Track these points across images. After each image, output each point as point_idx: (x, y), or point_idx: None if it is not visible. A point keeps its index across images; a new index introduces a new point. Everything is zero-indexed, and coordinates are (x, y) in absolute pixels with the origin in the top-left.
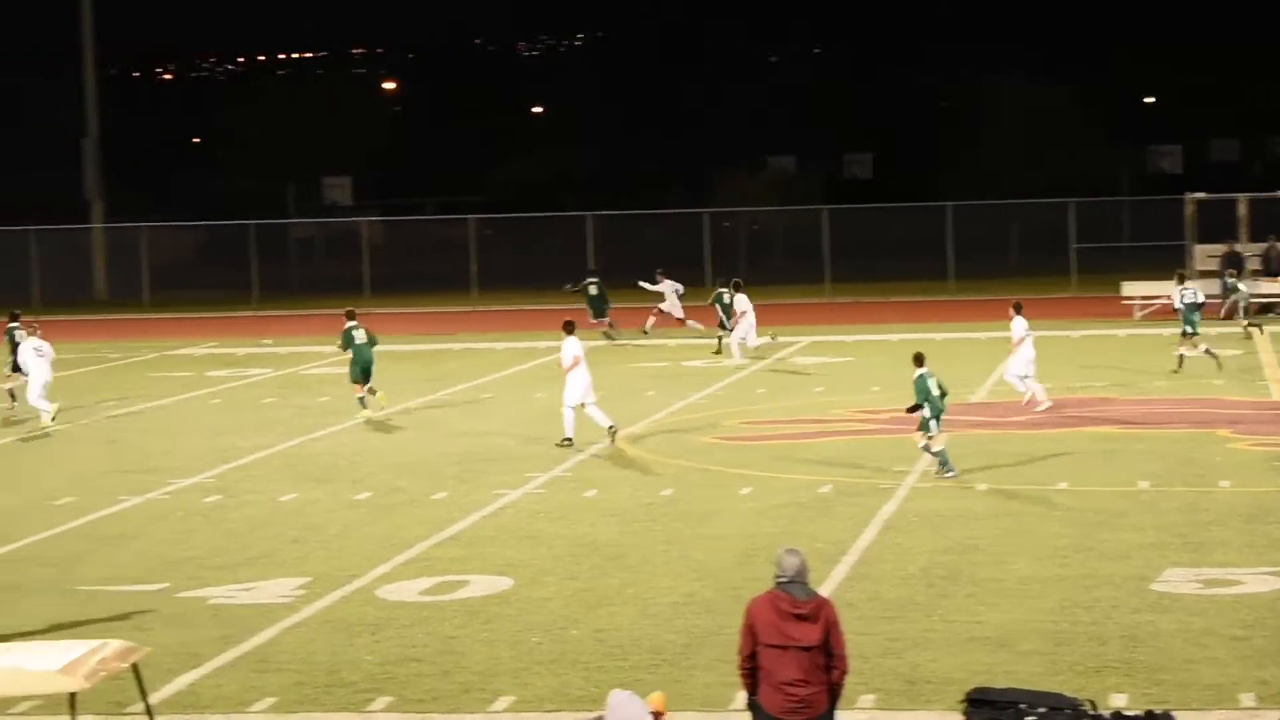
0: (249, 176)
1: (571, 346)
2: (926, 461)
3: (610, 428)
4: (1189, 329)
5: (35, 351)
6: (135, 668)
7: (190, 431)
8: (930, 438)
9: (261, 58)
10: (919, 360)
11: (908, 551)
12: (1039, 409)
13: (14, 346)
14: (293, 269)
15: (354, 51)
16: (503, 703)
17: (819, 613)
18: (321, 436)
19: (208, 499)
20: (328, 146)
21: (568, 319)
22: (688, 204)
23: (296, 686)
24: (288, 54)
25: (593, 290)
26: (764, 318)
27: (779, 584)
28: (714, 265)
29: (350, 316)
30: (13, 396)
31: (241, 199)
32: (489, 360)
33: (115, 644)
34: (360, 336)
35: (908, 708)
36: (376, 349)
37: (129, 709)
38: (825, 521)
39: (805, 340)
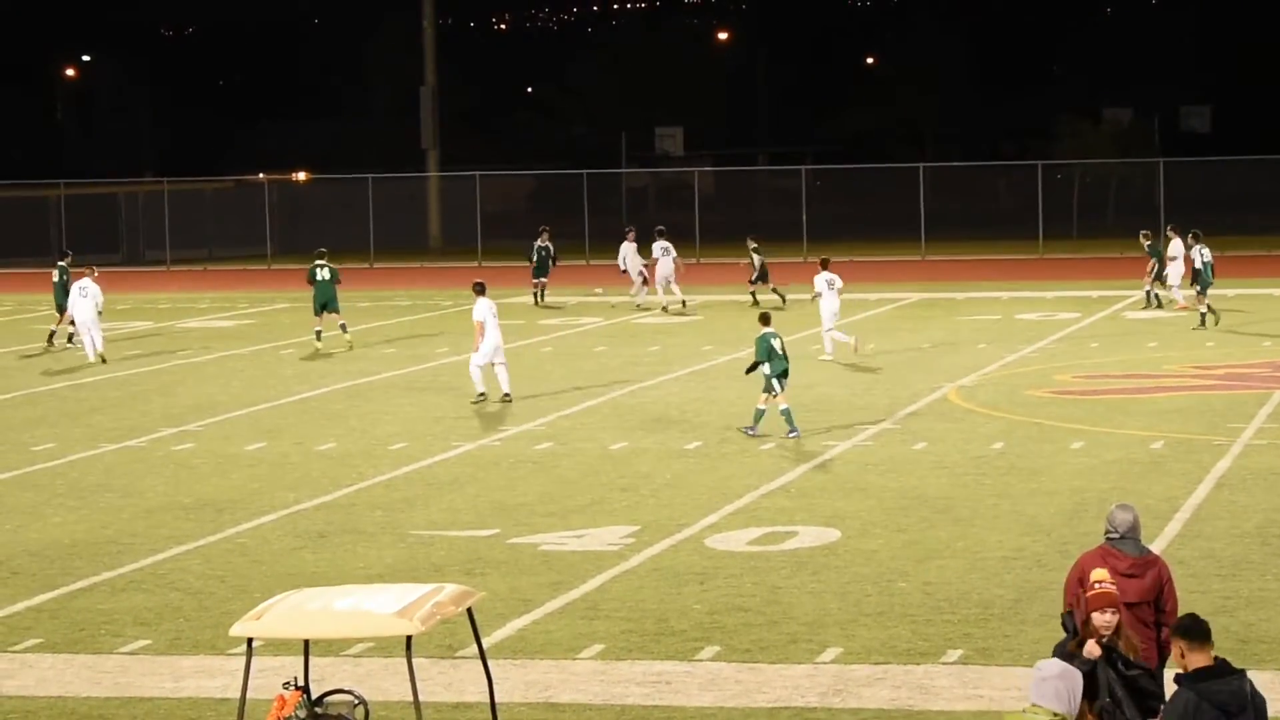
0: (582, 126)
1: (481, 307)
2: (1265, 417)
3: (505, 395)
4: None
5: (79, 291)
6: (469, 612)
7: (520, 379)
8: (773, 397)
9: (596, 7)
10: (765, 320)
11: (1243, 509)
12: (861, 350)
13: (64, 287)
14: (624, 219)
15: (688, 1)
16: (830, 653)
17: (1148, 570)
18: (652, 385)
19: (539, 446)
20: (661, 97)
21: (478, 280)
22: (1025, 156)
23: (625, 634)
24: (622, 4)
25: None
26: (1096, 271)
27: (1109, 540)
28: (1044, 218)
29: (319, 256)
30: (53, 338)
31: (574, 149)
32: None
33: (450, 588)
34: (323, 274)
35: (1240, 666)
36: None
37: (461, 652)
38: (1158, 478)
39: (1136, 294)
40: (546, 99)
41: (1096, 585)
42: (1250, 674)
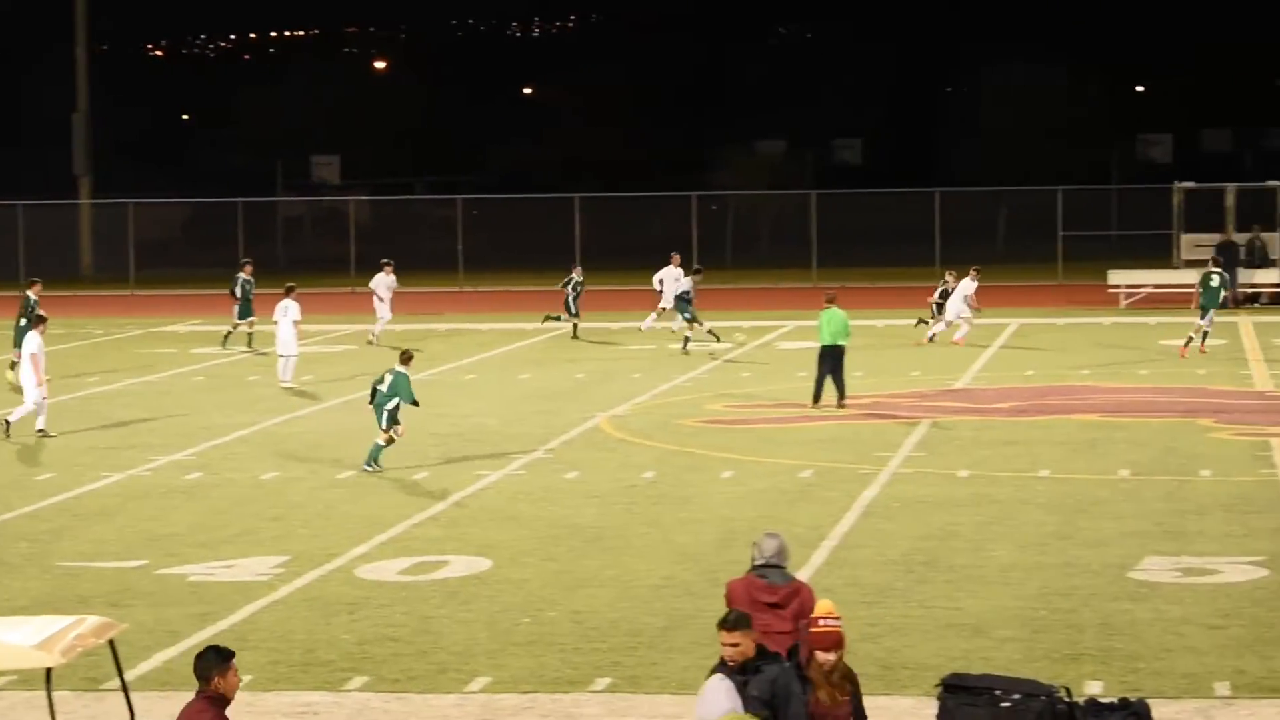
0: (238, 154)
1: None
2: (911, 446)
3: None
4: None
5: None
6: (112, 644)
7: (173, 409)
8: (388, 432)
9: (253, 36)
10: (406, 358)
11: (889, 537)
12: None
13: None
14: (280, 247)
15: (346, 30)
16: (479, 683)
17: (792, 599)
18: (305, 415)
19: (189, 476)
20: (317, 125)
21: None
22: (676, 187)
23: (272, 665)
24: (279, 32)
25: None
26: (750, 302)
27: (755, 568)
28: (700, 248)
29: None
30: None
31: (231, 176)
32: (474, 341)
33: (92, 620)
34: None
35: (884, 693)
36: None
37: (105, 685)
38: (805, 506)
39: (790, 325)
40: (204, 126)
41: (820, 623)
42: (894, 699)
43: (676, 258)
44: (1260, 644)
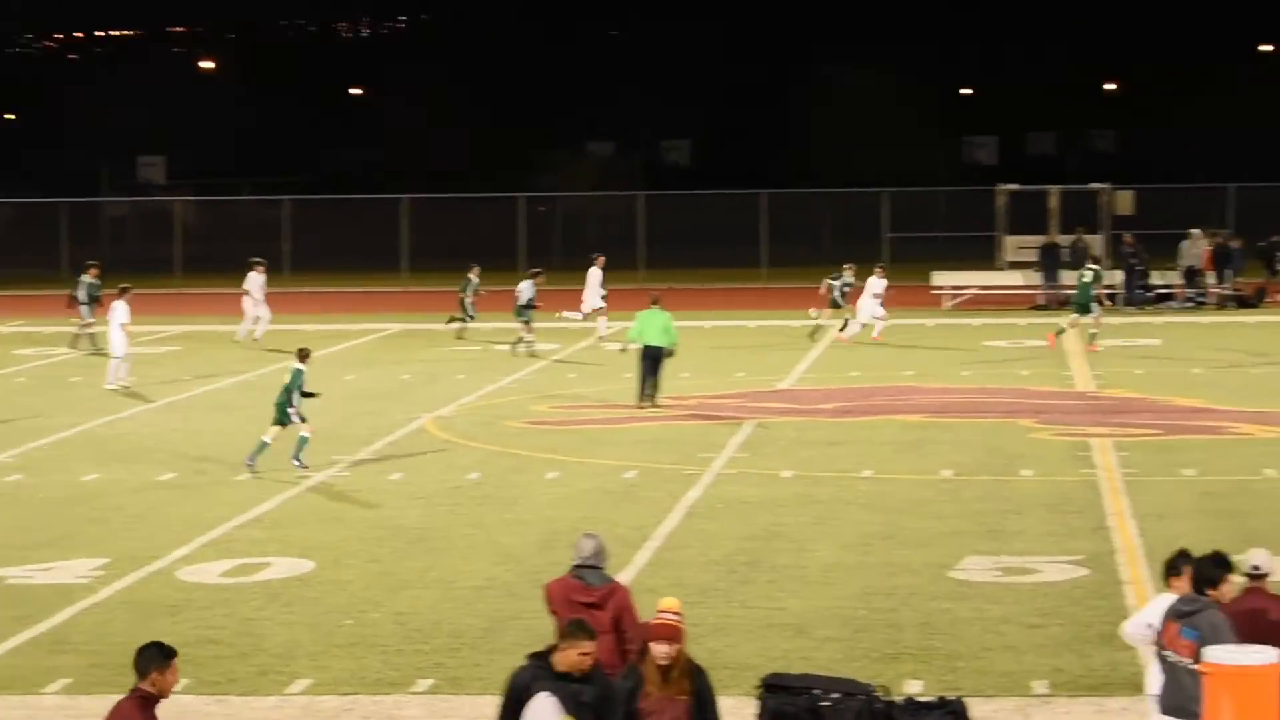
0: (63, 155)
1: None
2: (735, 447)
3: None
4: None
5: None
6: None
7: None
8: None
9: (79, 35)
10: (303, 355)
11: (712, 537)
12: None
13: None
14: (105, 248)
15: (173, 30)
16: (300, 685)
17: (608, 600)
18: (127, 416)
19: (9, 478)
20: (143, 125)
21: None
22: (505, 189)
23: (92, 668)
24: (105, 31)
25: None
26: (578, 303)
27: (573, 569)
28: (529, 251)
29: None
30: None
31: (55, 177)
32: (301, 342)
33: None
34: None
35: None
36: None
37: None
38: (629, 507)
39: (618, 326)
40: (29, 127)
41: (660, 615)
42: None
43: (601, 259)
44: (1078, 642)
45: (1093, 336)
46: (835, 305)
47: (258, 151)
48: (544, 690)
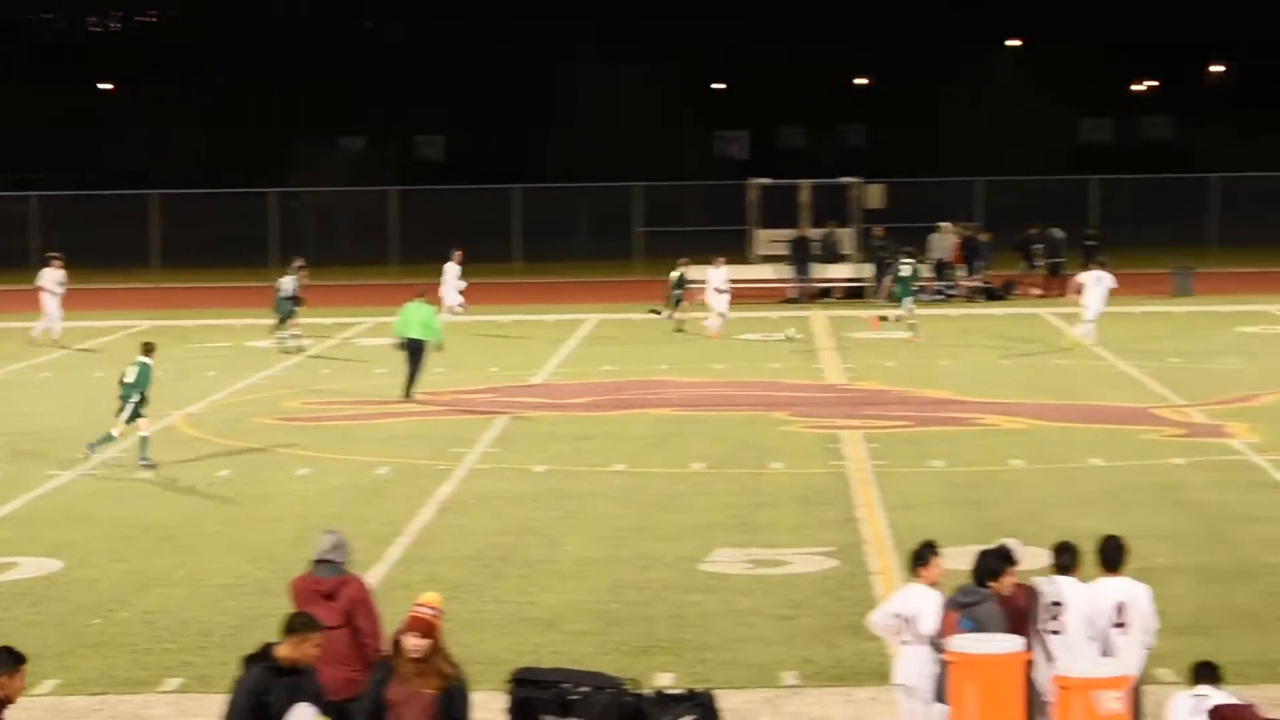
0: None
1: None
2: (488, 442)
3: None
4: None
5: None
6: None
7: None
8: (130, 425)
9: None
10: (148, 349)
11: (465, 533)
12: None
13: None
14: None
15: None
16: (47, 685)
17: (340, 591)
18: None
19: None
20: None
21: None
22: (257, 184)
23: None
24: None
25: None
26: (331, 298)
27: (313, 563)
28: (281, 247)
29: None
30: None
31: None
32: (48, 339)
33: None
34: None
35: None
36: None
37: None
38: (382, 503)
39: (370, 322)
40: None
41: (415, 608)
42: (473, 695)
43: (459, 254)
44: (828, 633)
45: (912, 327)
46: (677, 302)
47: (3, 146)
48: (302, 702)
